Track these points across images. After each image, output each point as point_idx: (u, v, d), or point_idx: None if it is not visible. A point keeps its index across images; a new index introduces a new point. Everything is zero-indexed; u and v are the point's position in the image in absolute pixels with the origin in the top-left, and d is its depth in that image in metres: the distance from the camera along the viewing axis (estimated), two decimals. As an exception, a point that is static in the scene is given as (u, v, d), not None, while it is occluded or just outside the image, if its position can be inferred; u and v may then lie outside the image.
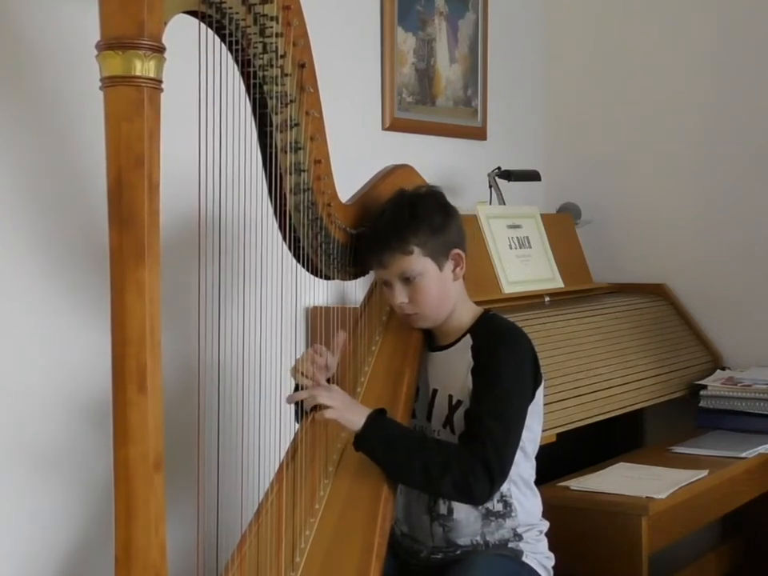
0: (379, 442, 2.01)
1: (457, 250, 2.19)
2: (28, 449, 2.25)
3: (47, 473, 2.28)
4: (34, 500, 2.26)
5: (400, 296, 2.16)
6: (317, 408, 2.02)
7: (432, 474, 2.00)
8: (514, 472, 2.14)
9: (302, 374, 2.09)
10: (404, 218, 2.15)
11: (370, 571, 1.88)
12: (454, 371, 2.19)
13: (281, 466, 2.08)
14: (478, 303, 2.30)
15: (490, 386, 2.09)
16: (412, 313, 2.19)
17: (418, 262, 2.14)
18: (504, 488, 2.14)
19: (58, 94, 2.26)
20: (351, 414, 2.01)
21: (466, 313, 2.24)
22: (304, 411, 2.14)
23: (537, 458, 2.26)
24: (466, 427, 2.10)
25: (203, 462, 1.89)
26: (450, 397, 2.18)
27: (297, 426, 2.19)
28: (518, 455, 2.14)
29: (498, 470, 2.03)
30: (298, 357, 2.15)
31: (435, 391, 2.23)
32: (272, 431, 2.09)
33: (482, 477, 2.00)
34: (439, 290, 2.17)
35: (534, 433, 2.20)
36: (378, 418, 2.02)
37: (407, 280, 2.15)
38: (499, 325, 2.23)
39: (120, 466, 1.61)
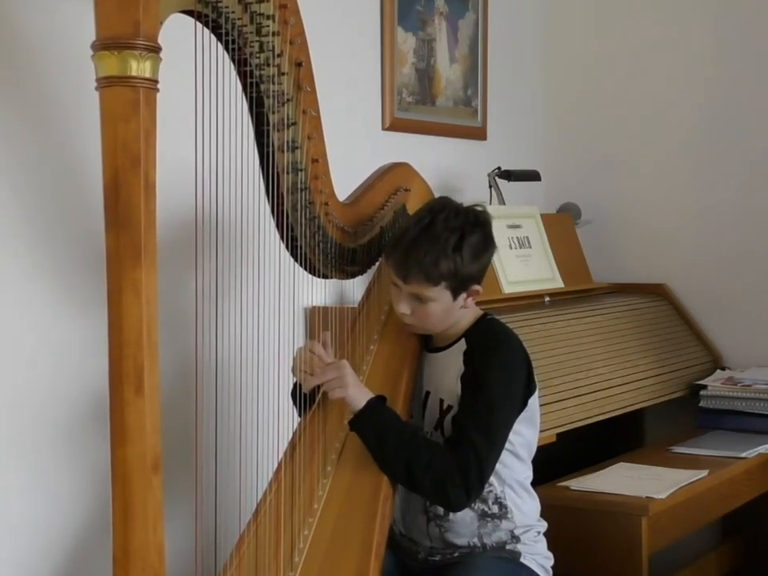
0: (374, 426, 2.03)
1: (477, 287, 2.15)
2: (26, 450, 2.25)
3: (45, 472, 2.28)
4: (32, 500, 2.26)
5: (403, 307, 2.14)
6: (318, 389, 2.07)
7: (414, 470, 2.01)
8: (508, 475, 2.15)
9: (304, 370, 2.11)
10: (449, 246, 2.06)
11: (369, 571, 1.88)
12: (445, 375, 2.19)
13: (279, 465, 2.08)
14: (477, 303, 2.29)
15: (478, 395, 2.08)
16: (410, 323, 2.18)
17: (437, 292, 2.10)
18: (498, 490, 2.15)
19: (53, 94, 2.25)
20: (357, 392, 2.05)
21: (466, 317, 2.21)
22: (305, 403, 2.14)
23: (537, 458, 2.25)
24: (452, 433, 2.10)
25: (201, 462, 1.89)
26: (441, 401, 2.18)
27: (299, 418, 2.19)
28: (511, 459, 2.15)
29: (476, 483, 2.03)
30: (294, 355, 2.16)
31: (428, 393, 2.22)
32: (270, 431, 2.08)
33: (459, 485, 2.01)
34: (444, 314, 2.15)
35: (526, 438, 2.19)
36: (378, 402, 2.05)
37: (418, 299, 2.12)
38: (493, 332, 2.20)
39: (118, 467, 1.61)
